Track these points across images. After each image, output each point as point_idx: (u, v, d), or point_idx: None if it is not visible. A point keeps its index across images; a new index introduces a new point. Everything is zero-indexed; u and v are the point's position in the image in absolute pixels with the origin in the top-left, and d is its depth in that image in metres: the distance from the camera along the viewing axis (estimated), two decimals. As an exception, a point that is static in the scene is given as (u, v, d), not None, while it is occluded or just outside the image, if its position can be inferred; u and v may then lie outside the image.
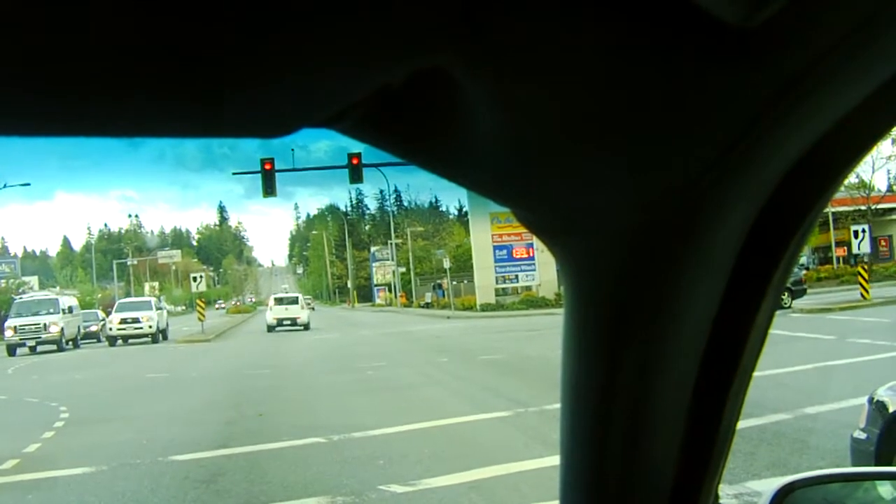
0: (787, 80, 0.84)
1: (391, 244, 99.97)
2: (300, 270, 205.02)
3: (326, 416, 15.59)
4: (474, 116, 0.85)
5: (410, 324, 49.82)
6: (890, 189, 65.34)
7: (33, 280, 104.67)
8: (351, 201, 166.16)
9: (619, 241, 1.04)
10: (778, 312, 1.20)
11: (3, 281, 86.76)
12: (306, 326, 51.42)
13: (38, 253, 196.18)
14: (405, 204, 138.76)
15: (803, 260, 54.25)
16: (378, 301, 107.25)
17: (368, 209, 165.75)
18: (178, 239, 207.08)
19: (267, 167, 39.42)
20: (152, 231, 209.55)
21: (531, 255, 59.44)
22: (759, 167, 0.95)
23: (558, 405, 1.27)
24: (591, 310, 1.14)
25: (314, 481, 10.51)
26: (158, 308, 52.09)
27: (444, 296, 71.58)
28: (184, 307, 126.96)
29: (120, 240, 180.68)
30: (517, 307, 56.25)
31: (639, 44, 0.80)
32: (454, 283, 68.93)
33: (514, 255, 61.42)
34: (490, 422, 13.91)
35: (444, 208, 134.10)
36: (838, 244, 58.33)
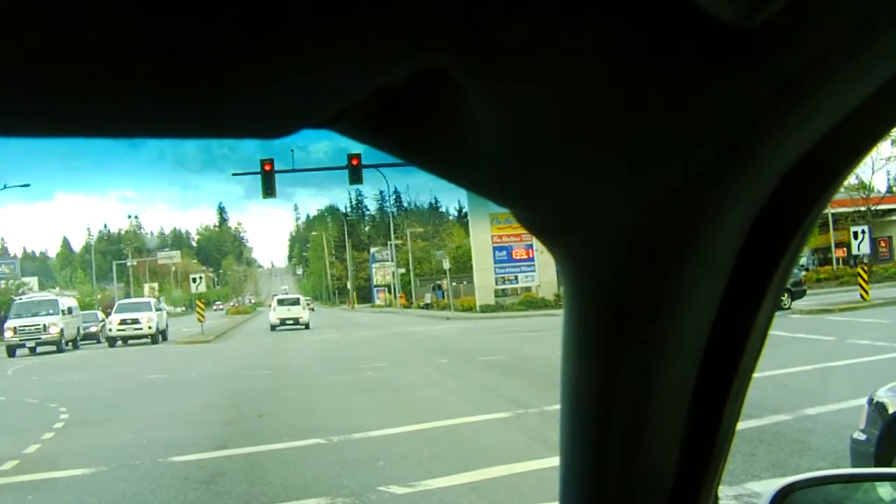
0: (787, 81, 0.84)
1: (391, 245, 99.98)
2: (300, 271, 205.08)
3: (326, 416, 15.60)
4: (474, 117, 0.85)
5: (410, 325, 49.83)
6: (890, 190, 65.45)
7: (33, 281, 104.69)
8: (351, 202, 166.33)
9: (618, 242, 1.04)
10: (777, 313, 1.20)
11: (2, 282, 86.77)
12: (307, 326, 54.06)
13: (37, 254, 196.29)
14: (405, 205, 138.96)
15: (803, 261, 54.30)
16: (378, 302, 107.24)
17: (368, 210, 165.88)
18: (177, 240, 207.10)
19: (267, 168, 39.42)
20: (152, 232, 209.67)
21: (531, 256, 59.44)
22: (759, 167, 0.95)
23: (558, 406, 1.27)
24: (591, 310, 1.14)
25: (314, 482, 10.51)
26: (158, 309, 52.10)
27: (443, 297, 71.58)
28: (183, 308, 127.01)
29: (120, 241, 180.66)
30: (517, 308, 56.25)
31: (638, 44, 0.80)
32: (454, 284, 68.91)
33: (514, 257, 61.42)
34: (490, 423, 13.90)
35: (443, 209, 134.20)
36: (838, 245, 58.34)
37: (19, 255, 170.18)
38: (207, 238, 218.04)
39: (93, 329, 53.22)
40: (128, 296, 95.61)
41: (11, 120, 0.76)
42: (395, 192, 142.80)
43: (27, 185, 72.87)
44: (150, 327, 48.21)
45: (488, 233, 61.59)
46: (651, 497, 1.26)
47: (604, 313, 1.13)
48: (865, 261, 39.01)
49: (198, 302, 56.14)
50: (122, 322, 48.45)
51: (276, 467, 11.41)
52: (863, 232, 37.96)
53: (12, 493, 11.23)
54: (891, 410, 6.34)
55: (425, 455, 11.53)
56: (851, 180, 46.54)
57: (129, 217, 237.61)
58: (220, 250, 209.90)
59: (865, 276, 35.89)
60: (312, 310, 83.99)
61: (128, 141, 0.82)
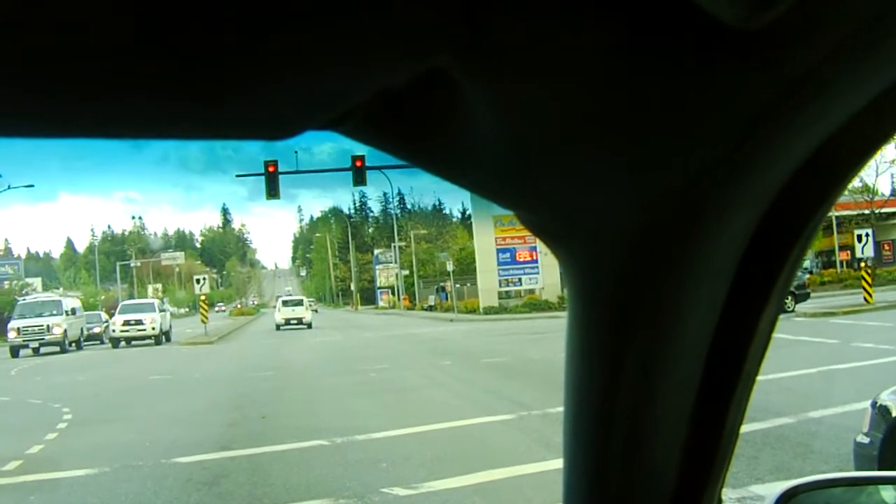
0: (791, 83, 0.84)
1: (394, 247, 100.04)
2: (303, 273, 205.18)
3: (329, 418, 15.60)
4: (475, 117, 0.85)
5: (413, 326, 49.85)
6: (894, 193, 65.37)
7: (37, 282, 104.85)
8: (354, 204, 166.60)
9: (621, 243, 1.03)
10: (781, 316, 1.20)
11: (6, 282, 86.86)
12: (309, 325, 58.40)
13: (41, 254, 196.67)
14: (408, 207, 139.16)
15: (807, 264, 54.20)
16: (381, 304, 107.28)
17: (372, 212, 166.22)
18: (181, 241, 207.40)
19: (270, 169, 39.51)
20: (156, 233, 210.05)
21: (534, 258, 59.45)
22: (763, 169, 0.95)
23: (561, 408, 1.27)
24: (595, 312, 1.14)
25: (317, 484, 10.51)
26: (162, 310, 52.19)
27: (447, 298, 71.62)
28: (187, 309, 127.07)
29: (123, 241, 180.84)
30: (520, 310, 56.23)
31: (640, 44, 0.80)
32: (457, 285, 68.97)
33: (518, 258, 61.43)
34: (493, 425, 13.90)
35: (447, 211, 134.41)
36: (842, 248, 58.33)
37: (23, 256, 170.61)
38: (211, 239, 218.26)
39: (96, 330, 53.26)
40: (131, 297, 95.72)
41: (15, 120, 0.76)
42: (399, 193, 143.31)
43: (31, 186, 73.01)
44: (153, 328, 48.25)
45: (492, 235, 61.60)
46: (654, 499, 1.25)
47: (607, 315, 1.13)
48: (869, 264, 38.94)
49: (201, 303, 56.18)
50: (126, 323, 48.50)
51: (278, 469, 11.41)
52: (867, 235, 37.93)
53: (15, 493, 11.24)
54: (894, 414, 6.33)
55: (428, 457, 11.53)
56: (855, 183, 46.49)
57: (133, 218, 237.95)
58: (224, 251, 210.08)
59: (869, 280, 35.90)
60: (316, 311, 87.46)
61: (131, 142, 0.82)
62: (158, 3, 0.66)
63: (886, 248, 60.43)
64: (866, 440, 6.54)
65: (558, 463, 1.32)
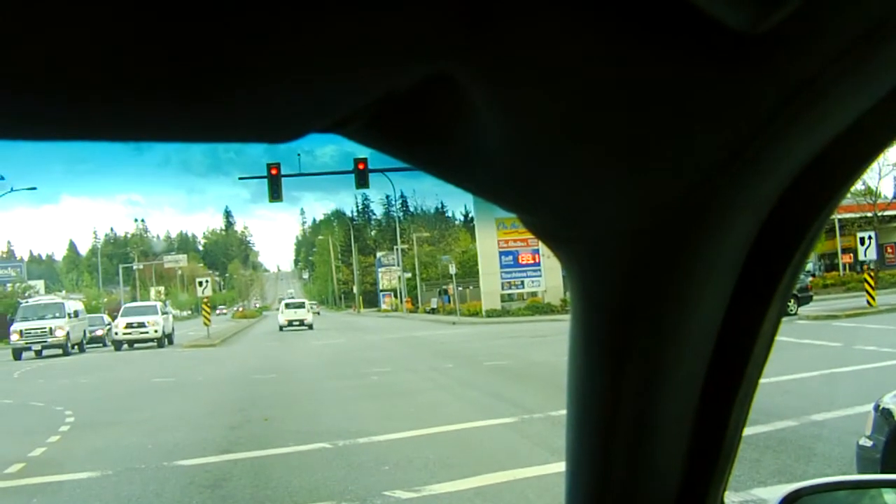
0: (795, 87, 0.84)
1: (397, 249, 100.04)
2: (306, 275, 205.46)
3: (332, 421, 15.58)
4: (479, 121, 0.85)
5: (416, 329, 49.82)
6: (896, 196, 65.23)
7: (39, 284, 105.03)
8: (357, 206, 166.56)
9: (624, 246, 1.03)
10: (784, 319, 1.20)
11: (9, 285, 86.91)
12: (310, 326, 62.71)
13: (44, 257, 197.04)
14: (411, 209, 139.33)
15: (809, 267, 54.19)
16: (384, 306, 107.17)
17: (374, 214, 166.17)
18: (184, 243, 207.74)
19: (273, 172, 39.52)
20: (158, 235, 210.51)
21: (537, 260, 59.39)
22: (766, 173, 0.95)
23: (564, 411, 1.26)
24: (598, 314, 1.14)
25: (319, 486, 10.50)
26: (164, 313, 52.16)
27: (449, 301, 71.59)
28: (189, 312, 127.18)
29: (126, 244, 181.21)
30: (523, 313, 56.18)
31: (644, 49, 0.80)
32: (460, 288, 68.96)
33: (520, 261, 61.37)
34: (496, 428, 13.88)
35: (449, 214, 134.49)
36: (844, 251, 58.24)
37: (25, 258, 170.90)
38: (214, 242, 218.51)
39: (99, 332, 53.29)
40: (134, 299, 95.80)
41: (17, 123, 0.76)
42: (402, 196, 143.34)
43: (34, 189, 73.18)
44: (156, 331, 48.25)
45: (494, 237, 61.53)
46: (657, 502, 1.25)
47: (610, 318, 1.13)
48: (872, 267, 38.90)
49: (204, 306, 56.18)
50: (129, 326, 48.50)
51: (281, 471, 11.40)
52: (869, 238, 37.91)
53: (17, 496, 11.24)
54: (897, 417, 6.33)
55: (431, 460, 11.52)
56: (858, 186, 46.48)
57: (136, 221, 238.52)
58: (227, 254, 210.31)
59: (872, 282, 35.84)
60: (318, 313, 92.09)
61: (133, 144, 0.82)
62: (163, 7, 0.66)
63: (889, 250, 60.36)
64: (869, 443, 6.53)
65: (561, 466, 1.32)
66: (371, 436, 13.49)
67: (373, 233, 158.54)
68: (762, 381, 1.20)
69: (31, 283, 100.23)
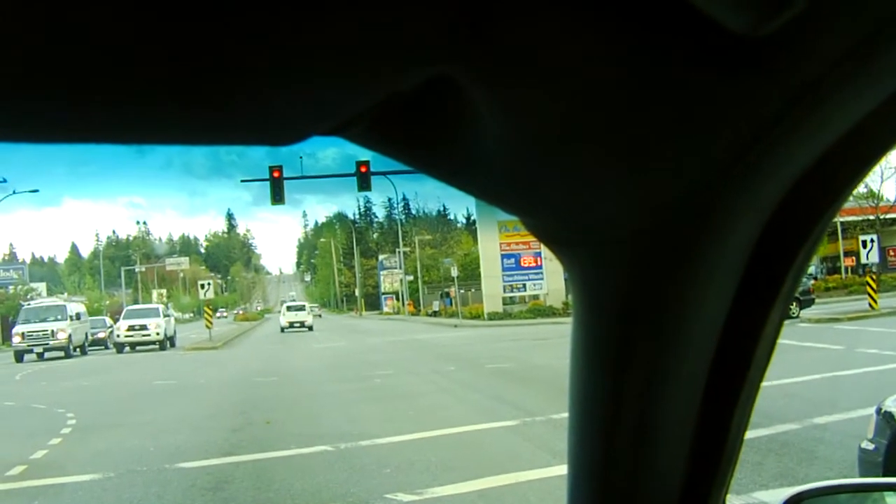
0: (797, 90, 0.84)
1: (399, 252, 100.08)
2: (308, 278, 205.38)
3: (333, 423, 15.58)
4: (481, 123, 0.85)
5: (418, 332, 49.83)
6: (899, 199, 65.15)
7: (41, 286, 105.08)
8: (359, 209, 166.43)
9: (627, 249, 1.03)
10: (786, 322, 1.20)
11: (11, 287, 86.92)
12: (310, 328, 66.34)
13: (46, 259, 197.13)
14: (413, 212, 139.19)
15: (811, 270, 54.15)
16: (386, 309, 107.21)
17: (376, 217, 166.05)
18: (186, 246, 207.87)
19: (275, 175, 39.54)
20: (160, 238, 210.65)
21: (539, 263, 59.41)
22: (768, 176, 0.95)
23: (566, 414, 1.26)
24: (600, 317, 1.14)
25: (321, 489, 10.51)
26: (166, 315, 52.18)
27: (451, 304, 71.62)
28: (192, 314, 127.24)
29: (128, 246, 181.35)
30: (525, 316, 56.21)
31: (646, 51, 0.80)
32: (462, 291, 68.98)
33: (522, 264, 61.38)
34: (497, 430, 13.88)
35: (452, 217, 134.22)
36: (847, 254, 58.19)
37: (28, 261, 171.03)
38: (216, 244, 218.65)
39: (101, 335, 53.29)
40: (136, 302, 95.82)
41: (19, 125, 0.76)
42: (404, 199, 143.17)
43: (36, 191, 73.23)
44: (158, 333, 48.26)
45: (496, 240, 61.53)
46: (659, 505, 1.25)
47: (612, 320, 1.13)
48: (874, 270, 38.90)
49: (206, 308, 56.20)
50: (131, 328, 48.52)
51: (283, 474, 11.40)
52: (872, 241, 37.91)
53: (19, 498, 11.24)
54: (899, 420, 6.32)
55: (432, 462, 11.52)
56: (861, 189, 46.45)
57: (138, 223, 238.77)
58: (229, 257, 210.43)
59: (874, 286, 35.82)
60: (320, 316, 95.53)
61: (135, 147, 0.83)
62: (165, 10, 0.66)
63: (891, 253, 60.31)
64: (871, 446, 6.53)
65: (563, 469, 1.32)
66: (373, 438, 13.49)
67: (375, 235, 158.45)
68: (764, 384, 1.20)
69: (33, 285, 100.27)
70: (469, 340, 38.02)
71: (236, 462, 12.48)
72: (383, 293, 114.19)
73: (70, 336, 45.60)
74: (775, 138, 0.88)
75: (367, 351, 35.60)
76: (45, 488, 11.55)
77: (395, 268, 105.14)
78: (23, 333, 45.08)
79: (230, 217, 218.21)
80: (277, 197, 39.67)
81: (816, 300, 39.42)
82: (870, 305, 34.64)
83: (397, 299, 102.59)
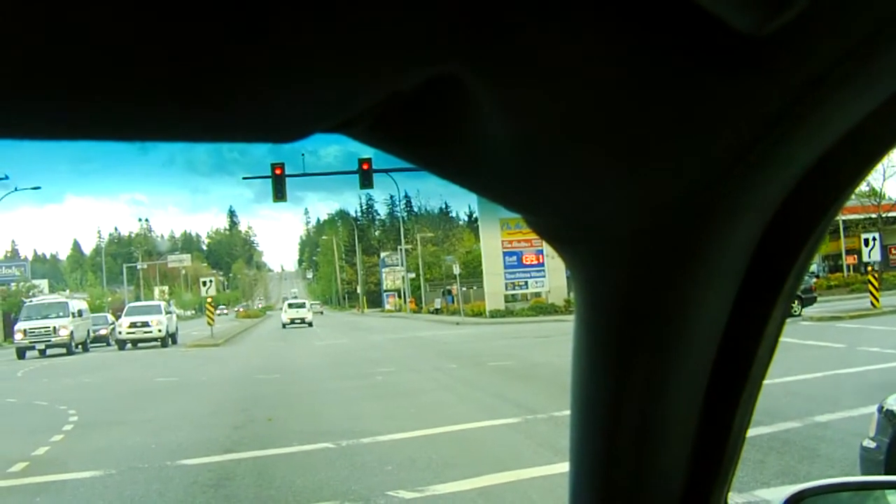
0: (799, 89, 0.84)
1: (401, 250, 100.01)
2: (310, 275, 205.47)
3: (335, 421, 15.59)
4: (484, 121, 0.85)
5: (420, 329, 49.84)
6: (901, 197, 65.10)
7: (43, 283, 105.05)
8: (361, 206, 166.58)
9: (629, 247, 1.03)
10: (788, 320, 1.20)
11: (13, 284, 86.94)
12: (310, 324, 70.71)
13: (48, 256, 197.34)
14: (415, 209, 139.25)
15: (813, 268, 54.11)
16: (388, 307, 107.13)
17: (378, 214, 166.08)
18: (188, 243, 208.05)
19: (277, 172, 39.55)
20: (162, 235, 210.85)
21: (541, 261, 59.38)
22: (771, 174, 0.95)
23: (567, 412, 1.26)
24: (602, 315, 1.14)
25: (323, 486, 10.51)
26: (168, 312, 52.20)
27: (453, 302, 71.62)
28: (193, 311, 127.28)
29: (130, 243, 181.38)
30: (526, 314, 56.16)
31: (649, 50, 0.80)
32: (464, 289, 68.95)
33: (524, 262, 61.34)
34: (499, 428, 13.88)
35: (454, 214, 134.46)
36: (849, 252, 58.15)
37: (30, 258, 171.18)
38: (218, 241, 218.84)
39: (103, 332, 53.33)
40: (138, 299, 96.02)
41: (21, 122, 0.76)
42: (406, 196, 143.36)
43: (38, 188, 73.55)
44: (159, 330, 48.29)
45: (498, 238, 61.50)
46: (660, 502, 1.25)
47: (614, 319, 1.13)
48: (876, 268, 38.85)
49: (208, 305, 56.22)
50: (132, 325, 48.55)
51: (284, 471, 11.41)
52: (874, 239, 37.88)
53: (21, 494, 11.25)
54: (901, 418, 6.32)
55: (434, 460, 11.52)
56: (862, 187, 46.39)
57: (140, 220, 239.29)
58: (231, 254, 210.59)
59: (876, 284, 35.82)
60: (321, 313, 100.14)
61: (138, 144, 0.83)
62: (169, 8, 0.66)
63: (893, 252, 60.23)
64: (873, 445, 6.53)
65: (564, 467, 1.32)
66: (374, 436, 13.50)
67: (377, 233, 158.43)
68: (766, 381, 1.20)
69: (36, 282, 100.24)
70: (471, 338, 38.02)
71: (238, 459, 12.48)
72: (385, 290, 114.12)
73: (72, 333, 45.61)
74: (776, 138, 0.88)
75: (369, 348, 35.60)
76: (46, 485, 11.56)
77: (397, 265, 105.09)
78: (25, 330, 45.11)
79: (232, 214, 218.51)
80: (279, 194, 39.67)
81: (818, 298, 39.38)
82: (871, 304, 34.63)
83: (399, 297, 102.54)
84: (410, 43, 0.74)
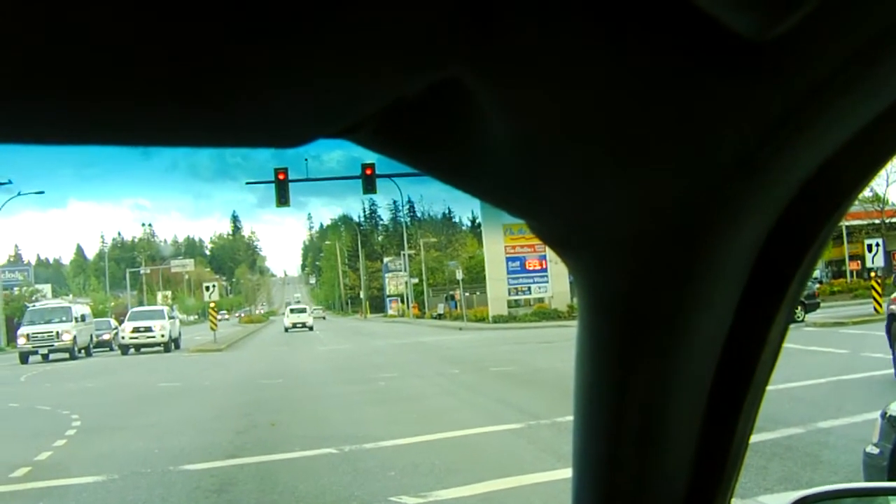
0: (802, 94, 0.84)
1: (404, 255, 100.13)
2: (313, 280, 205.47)
3: (338, 426, 15.59)
4: (488, 126, 0.85)
5: (422, 335, 49.84)
6: (904, 203, 65.01)
7: (46, 288, 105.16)
8: (364, 212, 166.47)
9: (632, 252, 1.03)
10: (791, 326, 1.19)
11: (16, 289, 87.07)
12: (311, 328, 73.37)
13: (51, 261, 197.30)
14: (418, 215, 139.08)
15: (817, 273, 54.01)
16: (390, 312, 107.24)
17: (381, 220, 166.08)
18: (191, 248, 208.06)
19: (280, 177, 39.59)
20: (165, 240, 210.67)
21: (544, 266, 59.44)
22: (774, 179, 0.95)
23: (570, 417, 1.26)
24: (605, 320, 1.14)
25: (325, 492, 10.51)
26: (171, 317, 52.25)
27: (456, 307, 71.74)
28: (196, 316, 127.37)
29: (133, 248, 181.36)
30: (529, 319, 56.22)
31: (652, 54, 0.80)
32: (466, 294, 69.04)
33: (527, 267, 61.41)
34: (502, 434, 13.88)
35: (457, 219, 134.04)
36: (852, 258, 58.13)
37: (33, 263, 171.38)
38: (221, 246, 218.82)
39: (105, 337, 53.40)
40: (141, 304, 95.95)
41: (24, 127, 0.76)
42: (409, 202, 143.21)
43: (41, 193, 73.36)
44: (162, 335, 48.34)
45: (501, 243, 61.58)
46: (663, 509, 1.25)
47: (617, 324, 1.13)
48: (880, 273, 38.83)
49: (211, 310, 56.25)
50: (135, 330, 48.62)
51: (287, 476, 11.41)
52: (877, 245, 37.89)
53: (23, 500, 11.26)
54: (904, 424, 6.31)
55: (437, 465, 11.52)
56: (866, 193, 46.39)
57: (143, 225, 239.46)
58: (234, 259, 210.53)
59: (879, 289, 35.75)
60: (323, 318, 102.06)
61: (141, 149, 0.83)
62: (174, 12, 0.66)
63: (897, 257, 60.24)
64: (876, 451, 6.52)
65: (567, 472, 1.32)
66: (377, 441, 13.50)
67: (380, 238, 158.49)
68: (769, 387, 1.20)
69: (39, 287, 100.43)
70: (474, 343, 38.03)
71: (241, 464, 12.49)
72: (388, 296, 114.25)
73: (75, 338, 45.68)
74: (780, 141, 0.88)
75: (372, 353, 35.62)
76: (49, 490, 11.57)
77: (400, 270, 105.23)
78: (28, 335, 45.16)
79: (235, 219, 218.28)
80: (282, 199, 39.70)
81: (822, 304, 39.37)
82: (875, 309, 34.57)
83: (402, 302, 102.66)
84: (411, 43, 0.74)
